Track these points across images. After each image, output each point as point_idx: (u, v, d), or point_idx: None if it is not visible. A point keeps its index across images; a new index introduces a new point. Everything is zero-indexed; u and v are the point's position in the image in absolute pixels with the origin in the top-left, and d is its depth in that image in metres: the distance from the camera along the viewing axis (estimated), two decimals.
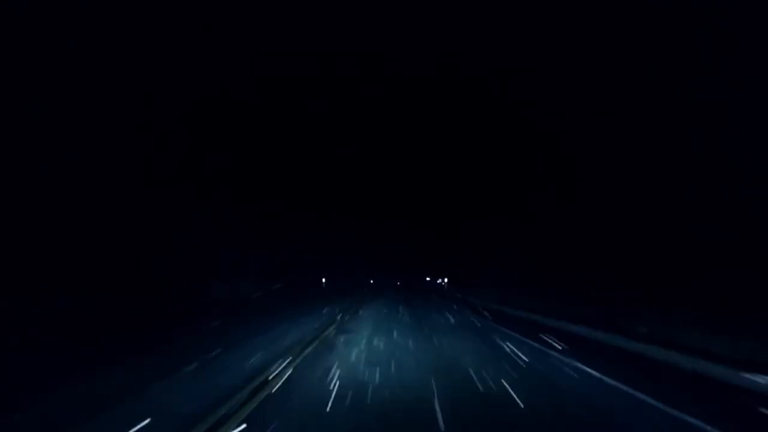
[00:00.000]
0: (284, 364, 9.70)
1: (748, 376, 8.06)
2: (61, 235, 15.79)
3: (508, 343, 13.64)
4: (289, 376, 8.97)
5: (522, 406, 7.25)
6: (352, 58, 33.60)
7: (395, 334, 15.55)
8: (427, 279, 75.17)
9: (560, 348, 12.94)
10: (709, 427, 6.34)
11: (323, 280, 51.58)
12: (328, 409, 6.95)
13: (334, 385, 8.26)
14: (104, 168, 18.26)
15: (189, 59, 22.95)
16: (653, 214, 17.34)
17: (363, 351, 12.11)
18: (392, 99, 43.22)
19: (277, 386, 8.18)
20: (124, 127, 19.50)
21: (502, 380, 8.84)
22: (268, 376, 8.71)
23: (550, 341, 14.03)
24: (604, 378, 9.24)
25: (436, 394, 7.81)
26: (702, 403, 7.43)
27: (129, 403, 6.95)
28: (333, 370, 9.49)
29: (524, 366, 10.41)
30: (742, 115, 13.93)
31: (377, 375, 9.19)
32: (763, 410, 7.05)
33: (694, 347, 9.99)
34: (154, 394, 7.51)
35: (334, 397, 7.52)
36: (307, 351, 11.74)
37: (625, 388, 8.45)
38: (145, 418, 6.11)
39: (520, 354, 11.92)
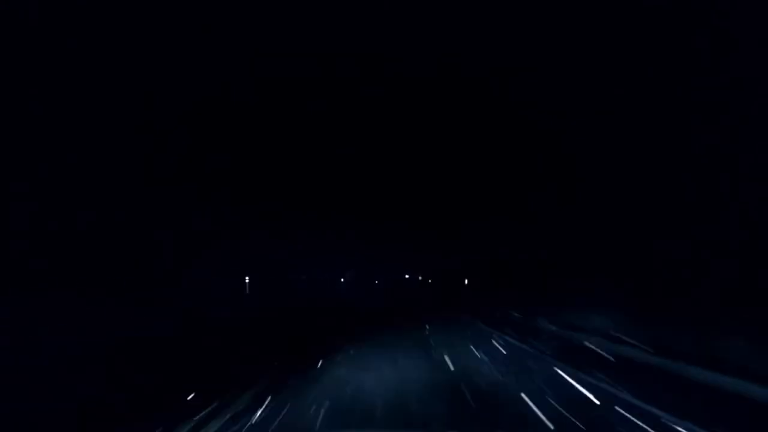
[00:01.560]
0: None
1: None
2: (61, 235, 15.77)
3: None
4: None
5: None
6: (352, 58, 33.55)
7: None
8: (420, 278, 72.44)
9: None
10: None
11: (247, 280, 29.01)
12: None
13: None
14: (104, 168, 18.26)
15: (189, 59, 22.95)
16: (653, 214, 17.34)
17: None
18: (392, 99, 43.14)
19: None
20: (124, 127, 19.50)
21: None
22: None
23: None
24: None
25: None
26: None
27: None
28: None
29: None
30: (742, 115, 13.92)
31: None
32: None
33: None
34: None
35: None
36: None
37: None
38: None
39: None
